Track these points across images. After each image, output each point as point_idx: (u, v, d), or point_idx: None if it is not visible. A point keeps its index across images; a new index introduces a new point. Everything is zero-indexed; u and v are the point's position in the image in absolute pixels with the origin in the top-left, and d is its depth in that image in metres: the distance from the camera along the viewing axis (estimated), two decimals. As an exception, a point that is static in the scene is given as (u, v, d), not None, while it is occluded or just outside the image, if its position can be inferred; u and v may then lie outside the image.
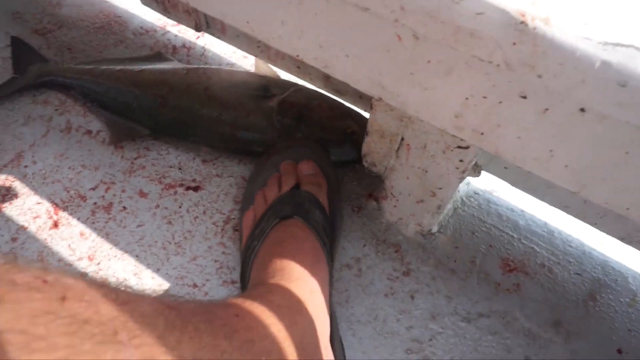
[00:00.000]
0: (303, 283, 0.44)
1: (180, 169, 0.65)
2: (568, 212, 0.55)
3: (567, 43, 0.26)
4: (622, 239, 0.52)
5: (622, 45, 0.25)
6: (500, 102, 0.34)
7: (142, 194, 0.62)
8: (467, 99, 0.35)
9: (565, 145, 0.34)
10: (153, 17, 0.81)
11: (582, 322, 0.55)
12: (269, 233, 0.50)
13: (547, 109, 0.32)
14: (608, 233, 0.53)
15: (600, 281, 0.58)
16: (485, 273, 0.58)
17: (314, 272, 0.46)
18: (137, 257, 0.57)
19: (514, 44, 0.27)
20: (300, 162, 0.57)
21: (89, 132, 0.68)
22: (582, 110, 0.30)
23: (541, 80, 0.29)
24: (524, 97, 0.32)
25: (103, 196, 0.62)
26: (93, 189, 0.63)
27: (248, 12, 0.41)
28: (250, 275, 0.49)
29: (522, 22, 0.26)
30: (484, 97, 0.34)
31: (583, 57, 0.26)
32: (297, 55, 0.42)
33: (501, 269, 0.59)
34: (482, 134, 0.37)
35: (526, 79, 0.30)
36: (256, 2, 0.40)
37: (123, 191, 0.62)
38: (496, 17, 0.27)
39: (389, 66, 0.37)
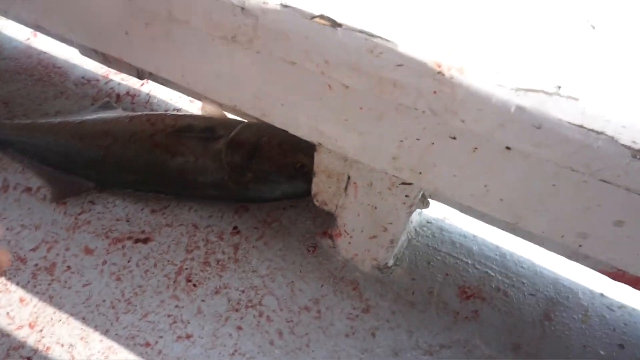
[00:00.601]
0: None
1: (128, 221, 0.62)
2: (516, 235, 0.57)
3: (483, 90, 0.27)
4: (569, 258, 0.54)
5: (533, 91, 0.26)
6: (433, 143, 0.35)
7: (88, 251, 0.60)
8: (401, 141, 0.36)
9: (498, 181, 0.35)
10: (94, 66, 0.79)
11: (539, 343, 0.56)
12: None
13: (476, 148, 0.33)
14: (556, 252, 0.54)
15: (554, 300, 0.60)
16: (443, 303, 0.59)
17: None
18: (83, 319, 0.54)
19: (435, 92, 0.28)
20: None
21: (29, 189, 0.65)
22: (508, 148, 0.31)
23: (465, 124, 0.30)
24: (454, 138, 0.33)
25: (45, 256, 0.59)
26: (34, 249, 0.59)
27: (182, 66, 0.41)
28: None
29: (439, 73, 0.27)
30: (417, 139, 0.35)
31: (499, 103, 0.27)
32: (235, 106, 0.42)
33: (458, 297, 0.59)
34: (420, 173, 0.38)
35: (451, 123, 0.31)
36: (189, 56, 0.40)
37: (67, 249, 0.60)
38: (415, 68, 0.28)
39: (324, 113, 0.37)
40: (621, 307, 0.60)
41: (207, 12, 0.33)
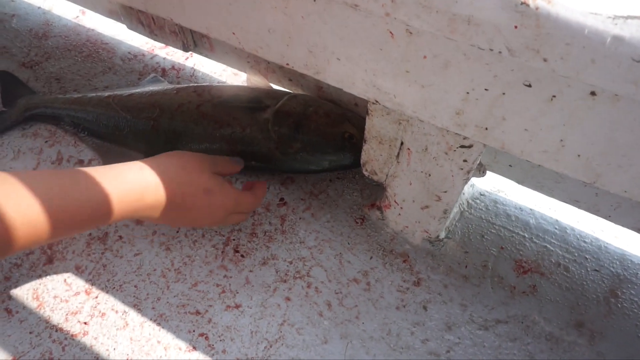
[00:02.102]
0: None
1: (175, 192, 0.63)
2: (579, 207, 0.53)
3: (574, 21, 0.24)
4: (638, 231, 0.50)
5: (635, 18, 0.23)
6: (504, 94, 0.32)
7: (138, 222, 0.60)
8: (467, 93, 0.34)
9: (576, 133, 0.32)
10: (140, 42, 0.80)
11: (605, 321, 0.53)
12: None
13: (554, 96, 0.30)
14: (623, 225, 0.51)
15: (620, 276, 0.56)
16: (498, 277, 0.56)
17: None
18: (135, 287, 0.55)
19: (516, 27, 0.26)
20: None
21: (81, 161, 0.66)
22: (593, 93, 0.29)
23: (547, 65, 0.27)
24: (529, 86, 0.31)
25: (97, 226, 0.60)
26: (87, 219, 0.60)
27: (233, 23, 0.40)
28: None
29: (523, 3, 0.25)
30: (486, 90, 0.33)
31: (592, 35, 0.24)
32: (287, 64, 0.40)
33: (515, 271, 0.56)
34: (486, 129, 0.36)
35: (530, 65, 0.28)
36: (240, 11, 0.38)
37: (118, 219, 0.60)
38: (495, 0, 0.26)
39: (383, 65, 0.35)
40: (696, 285, 0.55)
41: (264, -44, 0.31)
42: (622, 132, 0.29)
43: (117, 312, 0.53)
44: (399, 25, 0.31)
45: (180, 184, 0.47)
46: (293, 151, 0.59)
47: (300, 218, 0.61)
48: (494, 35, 0.27)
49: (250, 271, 0.57)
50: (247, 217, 0.57)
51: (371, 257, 0.58)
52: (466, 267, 0.57)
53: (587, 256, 0.57)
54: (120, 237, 0.59)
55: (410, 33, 0.32)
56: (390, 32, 0.32)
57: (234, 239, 0.59)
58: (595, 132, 0.31)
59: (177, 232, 0.60)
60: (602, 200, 0.49)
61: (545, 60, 0.27)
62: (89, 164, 0.66)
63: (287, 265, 0.57)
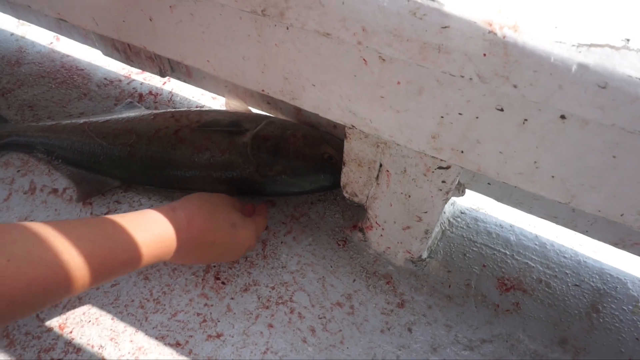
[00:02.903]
0: None
1: (154, 219, 0.61)
2: (557, 223, 0.54)
3: (540, 49, 0.25)
4: (615, 245, 0.51)
5: (597, 46, 0.24)
6: (477, 117, 0.33)
7: (115, 250, 0.59)
8: (442, 117, 0.34)
9: (550, 156, 0.32)
10: (117, 67, 0.79)
11: (588, 336, 0.53)
12: None
13: (526, 120, 0.31)
14: (600, 240, 0.51)
15: (600, 290, 0.56)
16: (482, 295, 0.56)
17: None
18: (112, 319, 0.53)
19: (485, 55, 0.26)
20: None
21: (55, 190, 0.64)
22: (563, 117, 0.29)
23: (517, 91, 0.27)
24: (501, 110, 0.31)
25: (73, 257, 0.58)
26: (61, 250, 0.59)
27: (207, 51, 0.40)
28: None
29: (491, 32, 0.25)
30: (460, 114, 0.33)
31: (558, 62, 0.25)
32: (263, 90, 0.40)
33: (498, 289, 0.56)
34: (462, 152, 0.36)
35: (501, 91, 0.28)
36: (213, 40, 0.38)
37: (94, 249, 0.59)
38: (463, 29, 0.26)
39: (357, 92, 0.36)
40: (674, 297, 0.56)
41: (236, -14, 0.31)
42: (593, 155, 0.30)
43: (93, 346, 0.51)
44: (372, 52, 0.31)
45: (209, 220, 0.49)
46: (273, 174, 0.59)
47: (281, 242, 0.60)
48: (464, 63, 0.27)
49: (232, 298, 0.55)
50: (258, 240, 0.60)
51: (354, 280, 0.57)
52: (449, 286, 0.57)
53: (567, 271, 0.58)
54: (97, 267, 0.57)
55: (383, 60, 0.32)
56: (364, 59, 0.33)
57: (214, 266, 0.58)
58: (567, 154, 0.31)
59: (156, 260, 0.58)
60: (579, 216, 0.50)
61: (515, 86, 0.27)
62: (64, 192, 0.64)
63: (270, 291, 0.56)
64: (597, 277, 0.57)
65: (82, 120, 0.66)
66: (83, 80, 0.78)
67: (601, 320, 0.54)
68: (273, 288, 0.56)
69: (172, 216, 0.46)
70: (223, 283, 0.56)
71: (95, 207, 0.63)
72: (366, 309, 0.55)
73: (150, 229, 0.44)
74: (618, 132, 0.27)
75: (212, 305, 0.55)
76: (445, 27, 0.26)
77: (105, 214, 0.62)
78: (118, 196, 0.63)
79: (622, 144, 0.27)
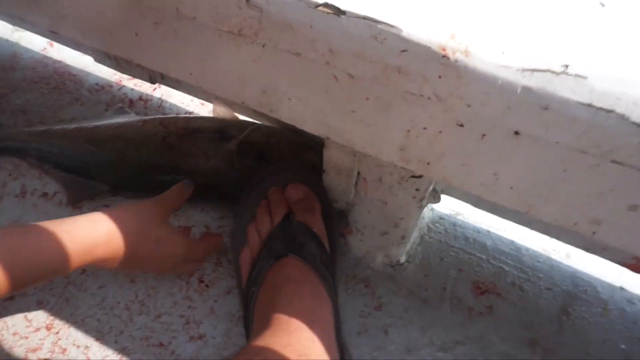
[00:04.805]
0: (302, 334, 0.43)
1: (141, 223, 0.63)
2: (532, 228, 0.56)
3: (489, 72, 0.27)
4: (586, 250, 0.53)
5: (539, 71, 0.26)
6: (440, 132, 0.35)
7: (103, 253, 0.60)
8: (408, 131, 0.36)
9: (507, 168, 0.34)
10: (108, 73, 0.81)
11: (557, 338, 0.55)
12: (265, 276, 0.49)
13: (484, 135, 0.33)
14: (572, 244, 0.54)
15: (571, 294, 0.58)
16: (457, 299, 0.58)
17: (313, 318, 0.46)
18: (98, 320, 0.55)
19: (440, 77, 0.28)
20: (287, 186, 0.55)
21: (45, 194, 0.66)
22: (517, 133, 0.31)
23: (471, 110, 0.29)
24: (461, 125, 0.33)
25: (62, 259, 0.60)
26: (51, 252, 0.60)
27: (189, 64, 0.42)
28: (253, 327, 0.48)
29: (444, 56, 0.27)
30: (424, 129, 0.35)
31: (505, 85, 0.27)
32: (243, 102, 0.42)
33: (473, 292, 0.58)
34: (428, 163, 0.38)
35: (458, 109, 0.30)
36: (195, 55, 0.40)
37: (83, 252, 0.60)
38: (419, 52, 0.28)
39: (331, 106, 0.38)
40: (642, 300, 0.58)
41: (213, 7, 0.33)
42: (546, 168, 0.32)
43: (78, 347, 0.53)
44: (340, 70, 0.33)
45: (132, 235, 0.48)
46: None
47: (265, 246, 0.62)
48: (423, 84, 0.29)
49: (215, 301, 0.57)
50: (200, 265, 0.59)
51: (335, 283, 0.59)
52: (426, 290, 0.59)
53: (541, 275, 0.60)
54: (84, 270, 0.59)
55: (352, 77, 0.34)
56: (334, 76, 0.35)
57: (199, 269, 0.60)
58: (522, 167, 0.33)
59: (143, 263, 0.60)
60: (549, 223, 0.52)
61: (469, 105, 0.29)
62: (54, 196, 0.66)
63: (253, 294, 0.58)
64: (568, 280, 0.60)
65: (73, 126, 0.67)
66: (75, 86, 0.80)
67: (570, 322, 0.56)
68: (256, 290, 0.58)
69: (90, 232, 0.45)
70: (207, 286, 0.58)
71: (85, 210, 0.64)
72: (345, 312, 0.56)
73: (73, 240, 0.43)
74: (563, 149, 0.29)
75: (195, 308, 0.56)
76: (404, 51, 0.28)
77: (94, 217, 0.64)
78: (107, 200, 0.65)
79: (568, 159, 0.30)
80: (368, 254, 0.60)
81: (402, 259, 0.60)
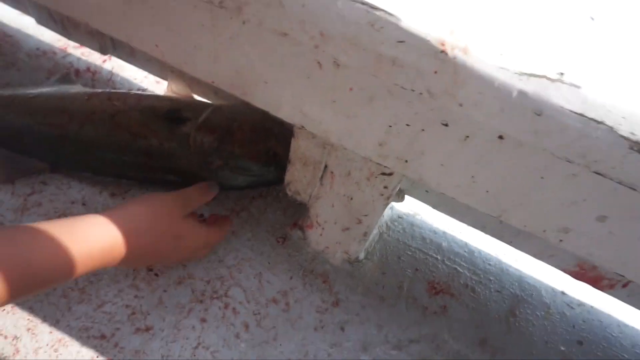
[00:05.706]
0: None
1: (84, 204, 0.58)
2: (486, 232, 0.57)
3: (486, 73, 0.26)
4: (534, 255, 0.55)
5: (536, 76, 0.25)
6: (423, 130, 0.34)
7: (38, 236, 0.55)
8: (390, 126, 0.35)
9: (486, 172, 0.34)
10: (52, 38, 0.74)
11: (505, 338, 0.57)
12: None
13: (467, 137, 0.32)
14: (522, 250, 0.55)
15: (518, 297, 0.61)
16: (413, 298, 0.58)
17: None
18: (31, 309, 0.50)
19: (435, 72, 0.27)
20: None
21: (-29, 166, 0.59)
22: (501, 137, 0.31)
23: (462, 109, 0.29)
24: (446, 125, 0.32)
25: (-12, 240, 0.53)
26: (-25, 232, 0.54)
27: (156, 35, 0.38)
28: None
29: (442, 52, 0.26)
30: (407, 125, 0.34)
31: (501, 87, 0.26)
32: (213, 82, 0.39)
33: (428, 292, 0.59)
34: (406, 161, 0.37)
35: (448, 108, 0.30)
36: (164, 24, 0.37)
37: (14, 233, 0.54)
38: (417, 45, 0.27)
39: (310, 93, 0.36)
40: (580, 305, 0.62)
41: (193, -27, 0.30)
42: (523, 174, 0.32)
43: (6, 337, 0.48)
44: (327, 57, 0.31)
45: (149, 233, 0.46)
46: (215, 167, 0.57)
47: (220, 236, 0.59)
48: (416, 78, 0.28)
49: (165, 291, 0.54)
50: (212, 250, 0.57)
51: (291, 277, 0.57)
52: (383, 287, 0.58)
53: (491, 277, 0.62)
54: (16, 253, 0.53)
55: (338, 65, 0.32)
56: (319, 62, 0.33)
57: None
58: (501, 171, 0.33)
59: (84, 248, 0.55)
60: (505, 227, 0.53)
61: (460, 105, 0.28)
62: (-18, 169, 0.59)
63: (204, 285, 0.55)
64: (516, 284, 0.62)
65: (7, 93, 0.60)
66: (11, 48, 0.72)
67: (517, 324, 0.58)
68: (208, 282, 0.55)
69: (106, 234, 0.42)
70: (156, 275, 0.55)
71: (18, 186, 0.58)
72: (301, 306, 0.55)
73: (86, 246, 0.40)
74: (547, 156, 0.29)
75: (142, 297, 0.53)
76: (401, 42, 0.27)
77: (29, 195, 0.58)
78: (45, 177, 0.59)
79: (550, 167, 0.30)
80: (327, 249, 0.58)
81: (361, 255, 0.59)
